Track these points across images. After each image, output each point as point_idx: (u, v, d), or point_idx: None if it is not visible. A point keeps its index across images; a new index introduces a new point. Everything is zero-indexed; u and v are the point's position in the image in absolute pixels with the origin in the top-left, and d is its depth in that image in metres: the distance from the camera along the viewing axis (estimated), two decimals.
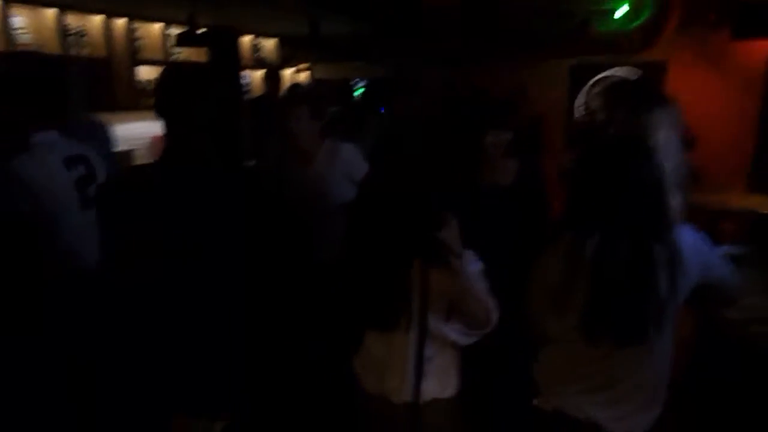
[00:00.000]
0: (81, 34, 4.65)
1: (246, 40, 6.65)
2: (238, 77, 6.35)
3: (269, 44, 7.09)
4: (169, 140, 1.67)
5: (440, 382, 1.69)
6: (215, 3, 4.64)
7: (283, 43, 7.10)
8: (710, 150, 4.89)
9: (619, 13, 5.90)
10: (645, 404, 1.61)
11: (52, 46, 4.37)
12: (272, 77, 6.04)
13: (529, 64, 6.42)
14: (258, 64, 6.92)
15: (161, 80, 1.68)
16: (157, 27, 5.39)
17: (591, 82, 3.76)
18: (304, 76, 7.84)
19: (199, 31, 4.93)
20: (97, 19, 4.75)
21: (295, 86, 3.01)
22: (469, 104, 3.08)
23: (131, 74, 5.08)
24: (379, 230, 1.58)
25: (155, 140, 5.10)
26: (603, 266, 1.51)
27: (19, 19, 4.21)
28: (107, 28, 4.82)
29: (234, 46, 6.14)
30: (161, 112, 1.65)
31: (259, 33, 6.79)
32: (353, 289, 1.67)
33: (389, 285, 1.59)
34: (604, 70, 6.25)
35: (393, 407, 1.68)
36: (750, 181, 4.20)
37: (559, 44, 6.20)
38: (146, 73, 5.33)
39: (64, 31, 4.44)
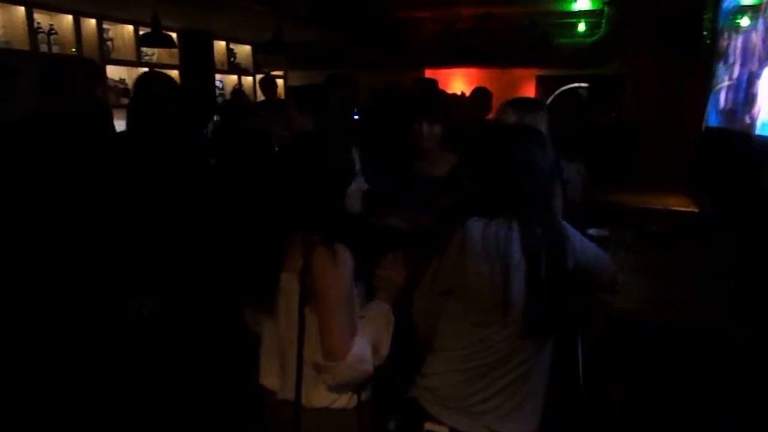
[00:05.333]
0: (51, 32, 4.77)
1: (221, 45, 6.81)
2: (212, 80, 6.51)
3: (244, 50, 7.26)
4: None
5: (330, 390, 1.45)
6: (182, 7, 4.79)
7: (256, 50, 7.26)
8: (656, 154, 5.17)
9: (579, 28, 6.18)
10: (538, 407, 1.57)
11: (22, 42, 4.49)
12: (269, 83, 6.23)
13: (492, 70, 6.68)
14: (233, 69, 7.07)
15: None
16: (128, 28, 5.53)
17: None
18: (278, 83, 8.03)
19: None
20: (66, 18, 4.89)
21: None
22: (402, 97, 3.23)
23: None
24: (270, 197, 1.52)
25: None
26: (537, 253, 1.44)
27: None
28: (77, 28, 4.95)
29: (206, 49, 6.31)
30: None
31: (232, 39, 6.93)
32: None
33: (264, 256, 1.49)
34: (566, 82, 6.56)
35: (277, 403, 1.52)
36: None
37: (525, 55, 6.44)
38: (118, 72, 5.47)
39: (34, 28, 4.56)
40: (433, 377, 1.56)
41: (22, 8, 4.47)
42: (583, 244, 1.59)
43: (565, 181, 2.15)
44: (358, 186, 1.53)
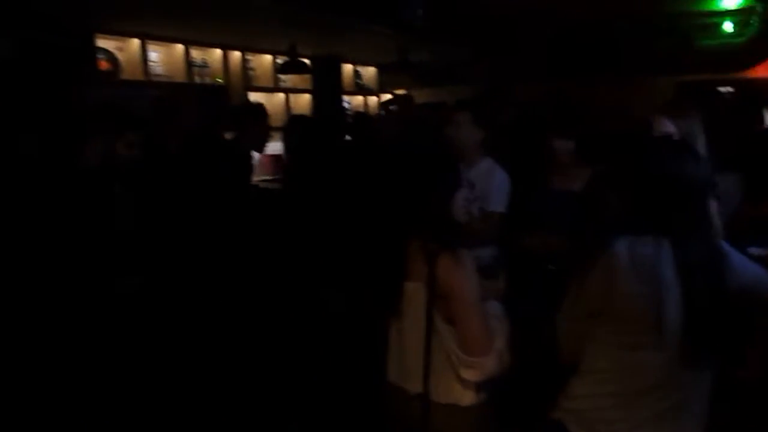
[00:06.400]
0: (203, 65, 5.33)
1: (348, 68, 7.14)
2: (340, 101, 6.84)
3: (369, 71, 7.56)
4: None
5: (459, 386, 1.58)
6: (316, 35, 5.10)
7: (381, 71, 7.52)
8: None
9: (725, 28, 5.67)
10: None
11: (181, 75, 5.06)
12: (404, 101, 6.43)
13: (633, 80, 6.28)
14: (359, 90, 7.39)
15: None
16: (267, 58, 6.00)
17: None
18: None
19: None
20: (216, 52, 5.43)
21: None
22: (536, 111, 3.18)
23: (245, 99, 5.68)
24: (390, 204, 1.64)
25: (264, 159, 5.62)
26: (692, 273, 1.35)
27: (155, 54, 4.94)
28: (225, 60, 5.47)
29: (335, 73, 6.65)
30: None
31: (358, 61, 7.24)
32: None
33: (387, 265, 1.60)
34: (710, 87, 6.02)
35: (407, 398, 1.63)
36: None
37: (663, 60, 6.02)
38: (257, 98, 5.94)
39: (189, 63, 5.13)
40: (579, 400, 1.51)
41: (181, 46, 5.05)
42: (743, 264, 1.45)
43: (721, 195, 1.99)
44: (462, 195, 1.65)
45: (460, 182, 1.63)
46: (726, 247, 1.45)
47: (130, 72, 4.72)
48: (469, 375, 1.53)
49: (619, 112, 3.98)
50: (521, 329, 1.82)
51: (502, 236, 2.39)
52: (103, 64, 4.54)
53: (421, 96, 8.05)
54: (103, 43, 4.52)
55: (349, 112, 7.18)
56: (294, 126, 3.56)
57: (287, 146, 3.46)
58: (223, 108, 5.42)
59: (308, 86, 6.49)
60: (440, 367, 1.57)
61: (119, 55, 4.69)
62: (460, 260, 1.51)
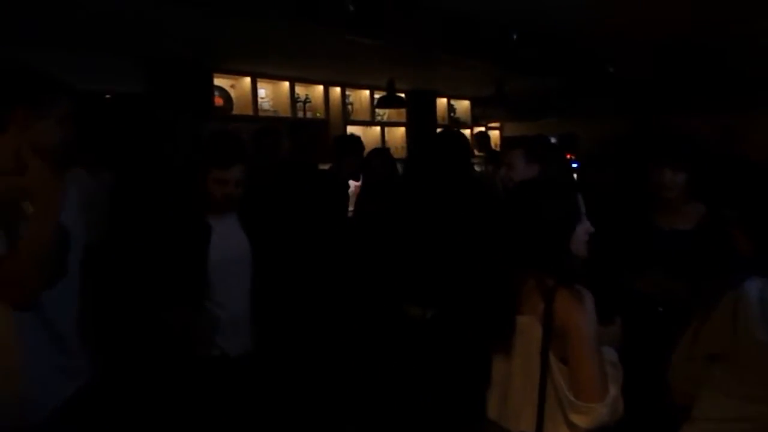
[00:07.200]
0: (306, 100, 5.64)
1: (442, 102, 7.26)
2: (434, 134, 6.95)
3: (463, 105, 7.63)
4: None
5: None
6: (413, 71, 5.25)
7: (474, 104, 7.56)
8: None
9: None
10: None
11: (286, 111, 5.38)
12: (483, 138, 6.69)
13: (743, 110, 5.84)
14: (452, 123, 7.46)
15: None
16: (365, 93, 6.24)
17: None
18: (494, 135, 8.21)
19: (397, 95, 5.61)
20: (318, 88, 5.72)
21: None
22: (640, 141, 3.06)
23: (344, 132, 5.93)
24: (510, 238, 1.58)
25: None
26: None
27: (263, 91, 5.30)
28: (326, 95, 5.76)
29: (429, 107, 6.79)
30: None
31: (452, 95, 7.34)
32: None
33: (499, 299, 1.55)
34: None
35: None
36: None
37: None
38: (355, 131, 6.18)
39: (294, 99, 5.45)
40: None
41: (287, 83, 5.38)
42: None
43: None
44: (583, 229, 1.55)
45: (581, 214, 1.56)
46: None
47: (241, 107, 5.09)
48: (579, 420, 1.43)
49: (737, 141, 3.73)
50: (632, 373, 1.75)
51: (611, 279, 2.30)
52: (218, 101, 4.95)
53: (514, 129, 8.01)
54: (218, 81, 4.93)
55: None
56: (372, 158, 3.68)
57: (363, 177, 3.60)
58: (323, 140, 5.70)
59: (403, 119, 6.67)
60: (549, 409, 1.50)
61: (232, 93, 5.08)
62: (580, 297, 1.44)
